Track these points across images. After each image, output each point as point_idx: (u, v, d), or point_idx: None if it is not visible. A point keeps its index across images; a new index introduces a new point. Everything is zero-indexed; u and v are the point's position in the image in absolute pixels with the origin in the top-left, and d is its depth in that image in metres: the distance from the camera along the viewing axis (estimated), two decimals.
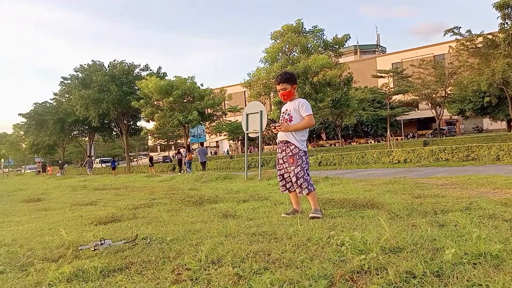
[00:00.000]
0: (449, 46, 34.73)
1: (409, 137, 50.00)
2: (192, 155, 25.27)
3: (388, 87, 42.86)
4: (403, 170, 13.19)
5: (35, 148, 53.70)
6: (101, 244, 3.08)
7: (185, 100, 32.04)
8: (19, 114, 51.79)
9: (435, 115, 43.16)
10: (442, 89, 39.78)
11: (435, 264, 2.09)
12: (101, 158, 65.52)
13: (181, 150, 27.05)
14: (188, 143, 32.12)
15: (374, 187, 6.85)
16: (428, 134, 49.23)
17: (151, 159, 29.90)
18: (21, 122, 53.45)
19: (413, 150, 16.34)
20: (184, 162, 24.20)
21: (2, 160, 63.54)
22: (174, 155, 33.07)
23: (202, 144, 25.00)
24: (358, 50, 73.25)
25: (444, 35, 32.17)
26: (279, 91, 4.36)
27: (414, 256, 2.24)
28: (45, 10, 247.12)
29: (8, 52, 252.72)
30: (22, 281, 2.40)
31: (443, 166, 13.78)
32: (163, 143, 68.56)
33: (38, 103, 48.70)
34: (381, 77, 44.14)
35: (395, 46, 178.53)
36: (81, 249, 3.07)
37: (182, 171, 24.07)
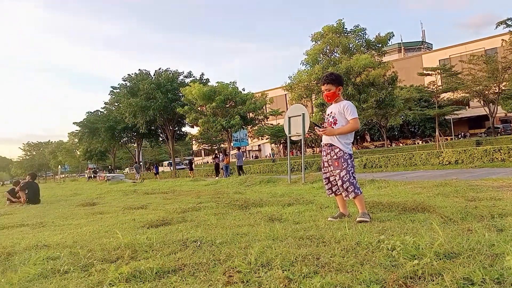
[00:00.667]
0: (502, 40, 32.78)
1: (460, 136, 47.57)
2: (230, 159, 25.64)
3: (435, 85, 41.08)
4: (454, 172, 12.60)
5: (88, 154, 56.77)
6: None
7: (228, 105, 32.57)
8: (73, 123, 55.07)
9: (488, 112, 40.75)
10: (495, 85, 37.49)
11: (495, 271, 2.00)
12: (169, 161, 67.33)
13: (219, 154, 27.56)
14: (223, 148, 32.56)
15: (424, 190, 6.61)
16: (481, 133, 46.58)
17: (190, 163, 30.71)
18: (76, 130, 56.76)
19: (464, 151, 15.55)
20: (222, 167, 24.61)
21: (59, 166, 67.70)
22: (212, 159, 33.75)
23: (238, 148, 25.44)
24: (402, 48, 70.87)
25: (496, 27, 30.49)
26: (323, 92, 4.34)
27: (472, 262, 2.16)
28: (99, 23, 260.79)
29: (67, 65, 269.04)
30: (85, 280, 2.56)
31: (499, 167, 13.01)
32: (207, 148, 69.99)
33: (90, 112, 51.52)
34: (428, 75, 42.39)
35: (442, 42, 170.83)
36: None
37: (219, 175, 24.49)
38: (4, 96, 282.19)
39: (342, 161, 4.09)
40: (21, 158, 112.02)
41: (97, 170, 57.05)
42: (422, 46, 73.20)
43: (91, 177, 50.18)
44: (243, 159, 27.03)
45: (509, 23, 29.75)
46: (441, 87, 41.85)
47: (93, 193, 16.28)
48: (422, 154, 17.12)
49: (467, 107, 49.54)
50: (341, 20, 30.28)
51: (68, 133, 73.53)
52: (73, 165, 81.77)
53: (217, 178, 20.75)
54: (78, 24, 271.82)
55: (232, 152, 32.62)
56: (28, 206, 11.15)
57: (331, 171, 4.22)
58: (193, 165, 30.72)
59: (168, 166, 60.28)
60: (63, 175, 63.54)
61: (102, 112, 50.67)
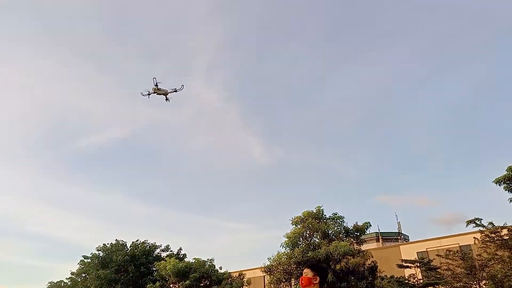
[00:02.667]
0: (474, 237, 34.11)
1: None
2: None
3: (416, 278, 40.39)
4: None
5: None
6: None
7: (202, 284, 30.82)
8: None
9: None
10: (475, 282, 37.12)
11: None
12: None
13: None
14: None
15: None
16: None
17: None
18: None
19: None
20: None
21: None
22: None
23: None
24: (380, 237, 72.49)
25: (467, 226, 32.10)
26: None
27: None
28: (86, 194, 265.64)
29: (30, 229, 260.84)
30: None
31: None
32: None
33: (53, 282, 47.61)
34: (407, 267, 42.19)
35: (418, 235, 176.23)
36: None
37: None
38: None
39: None
40: None
41: None
42: (399, 237, 75.11)
43: None
44: None
45: (478, 222, 31.61)
46: (421, 281, 41.06)
47: None
48: None
49: None
50: (320, 206, 31.94)
51: None
52: None
53: None
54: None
55: None
56: None
57: None
58: None
59: None
60: None
61: (65, 283, 46.89)
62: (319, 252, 27.92)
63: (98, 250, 38.74)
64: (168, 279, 30.73)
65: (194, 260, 31.83)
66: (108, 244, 38.96)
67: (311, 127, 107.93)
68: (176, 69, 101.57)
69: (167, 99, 29.71)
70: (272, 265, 31.06)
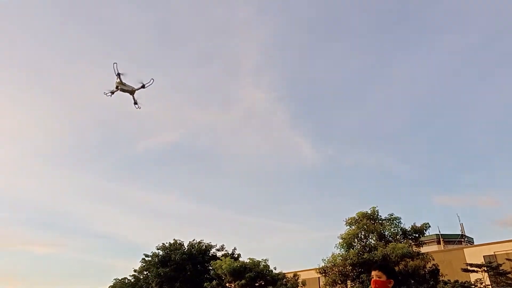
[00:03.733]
0: None
1: None
2: None
3: (483, 284, 37.88)
4: None
5: None
6: None
7: (257, 284, 31.20)
8: None
9: None
10: None
11: None
12: None
13: None
14: None
15: None
16: None
17: None
18: None
19: None
20: None
21: None
22: None
23: None
24: (441, 239, 68.79)
25: None
26: (372, 277, 4.16)
27: None
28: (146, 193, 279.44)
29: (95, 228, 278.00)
30: None
31: None
32: None
33: (118, 279, 50.56)
34: (474, 271, 39.68)
35: (483, 237, 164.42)
36: None
37: None
38: None
39: None
40: None
41: None
42: (462, 240, 70.79)
43: None
44: None
45: None
46: (490, 287, 38.44)
47: None
48: None
49: None
50: (375, 207, 31.05)
51: None
52: None
53: None
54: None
55: None
56: None
57: None
58: None
59: None
60: None
61: (129, 280, 49.62)
62: (375, 254, 27.17)
63: (158, 249, 40.63)
64: (224, 278, 31.48)
65: (248, 260, 32.32)
66: (166, 243, 40.73)
67: (362, 125, 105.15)
68: (225, 71, 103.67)
69: (135, 103, 23.44)
70: (327, 266, 30.71)
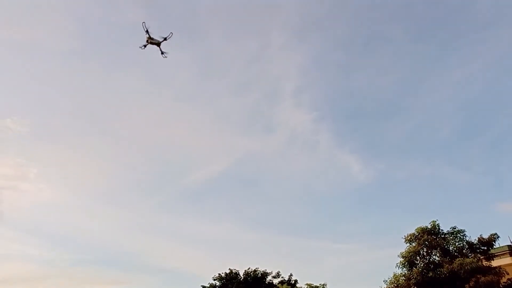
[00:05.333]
0: None
1: None
2: None
3: None
4: None
5: None
6: None
7: None
8: None
9: None
10: None
11: None
12: None
13: None
14: None
15: None
16: None
17: None
18: None
19: None
20: None
21: None
22: None
23: None
24: None
25: None
26: None
27: None
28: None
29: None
30: None
31: None
32: None
33: None
34: None
35: None
36: None
37: None
38: None
39: None
40: None
41: None
42: None
43: None
44: None
45: None
46: None
47: None
48: None
49: None
50: (435, 221, 29.30)
51: None
52: None
53: None
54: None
55: None
56: None
57: None
58: None
59: None
60: None
61: None
62: (441, 271, 25.47)
63: (214, 280, 40.68)
64: None
65: (306, 286, 31.48)
66: (222, 273, 40.71)
67: (411, 136, 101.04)
68: (265, 97, 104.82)
69: (162, 53, 27.90)
70: (389, 287, 29.15)
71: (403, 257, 28.77)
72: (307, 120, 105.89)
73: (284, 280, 37.27)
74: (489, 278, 24.46)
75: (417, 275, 26.29)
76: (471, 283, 24.52)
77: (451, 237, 28.73)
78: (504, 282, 26.38)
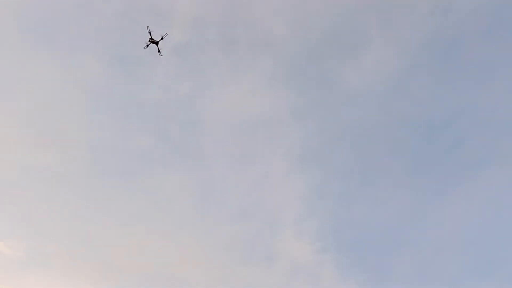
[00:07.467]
0: None
1: None
2: None
3: None
4: None
5: None
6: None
7: None
8: None
9: None
10: None
11: None
12: None
13: None
14: None
15: None
16: None
17: None
18: None
19: None
20: None
21: None
22: None
23: None
24: None
25: None
26: None
27: None
28: None
29: None
30: None
31: None
32: None
33: None
34: None
35: None
36: None
37: None
38: None
39: None
40: None
41: None
42: None
43: None
44: None
45: None
46: None
47: None
48: None
49: None
50: None
51: None
52: None
53: None
54: None
55: None
56: None
57: None
58: None
59: None
60: None
61: None
62: None
63: None
64: None
65: None
66: None
67: (418, 267, 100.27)
68: (266, 225, 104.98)
69: (159, 51, 31.73)
70: None
71: None
72: (309, 251, 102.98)
73: None
74: None
75: None
76: None
77: None
78: None
